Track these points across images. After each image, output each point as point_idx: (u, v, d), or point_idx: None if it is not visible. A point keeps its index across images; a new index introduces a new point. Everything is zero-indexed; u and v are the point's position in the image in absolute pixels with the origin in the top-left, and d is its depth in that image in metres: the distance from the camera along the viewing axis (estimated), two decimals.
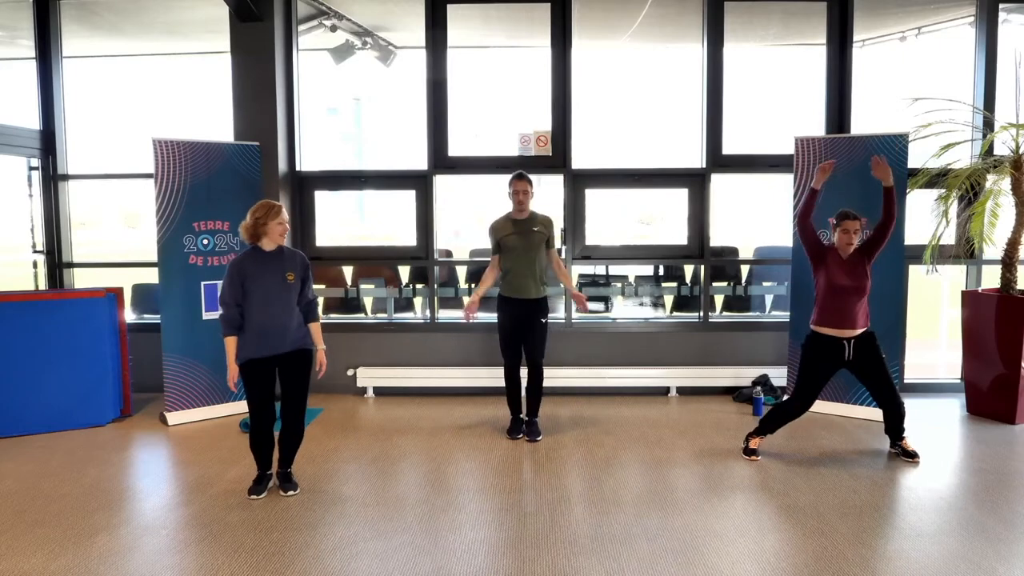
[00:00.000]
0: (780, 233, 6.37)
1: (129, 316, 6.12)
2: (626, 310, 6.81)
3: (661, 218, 7.79)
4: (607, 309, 6.71)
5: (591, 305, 6.63)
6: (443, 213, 6.52)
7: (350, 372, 6.24)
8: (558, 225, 5.93)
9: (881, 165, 4.58)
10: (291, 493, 4.12)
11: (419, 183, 6.34)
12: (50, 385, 5.27)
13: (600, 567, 3.28)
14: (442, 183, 6.44)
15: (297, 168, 6.31)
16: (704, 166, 6.28)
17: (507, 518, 3.81)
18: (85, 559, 3.37)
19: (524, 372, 5.20)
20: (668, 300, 6.75)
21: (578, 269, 6.51)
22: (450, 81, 6.29)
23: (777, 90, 6.65)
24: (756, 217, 7.93)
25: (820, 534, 3.59)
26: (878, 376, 4.57)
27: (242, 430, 5.25)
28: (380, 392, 6.27)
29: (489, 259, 5.25)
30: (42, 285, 6.41)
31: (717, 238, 6.37)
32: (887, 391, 4.59)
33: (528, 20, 6.40)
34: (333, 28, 6.60)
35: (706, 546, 3.47)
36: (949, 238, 5.86)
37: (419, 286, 6.65)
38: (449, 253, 6.73)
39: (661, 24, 6.53)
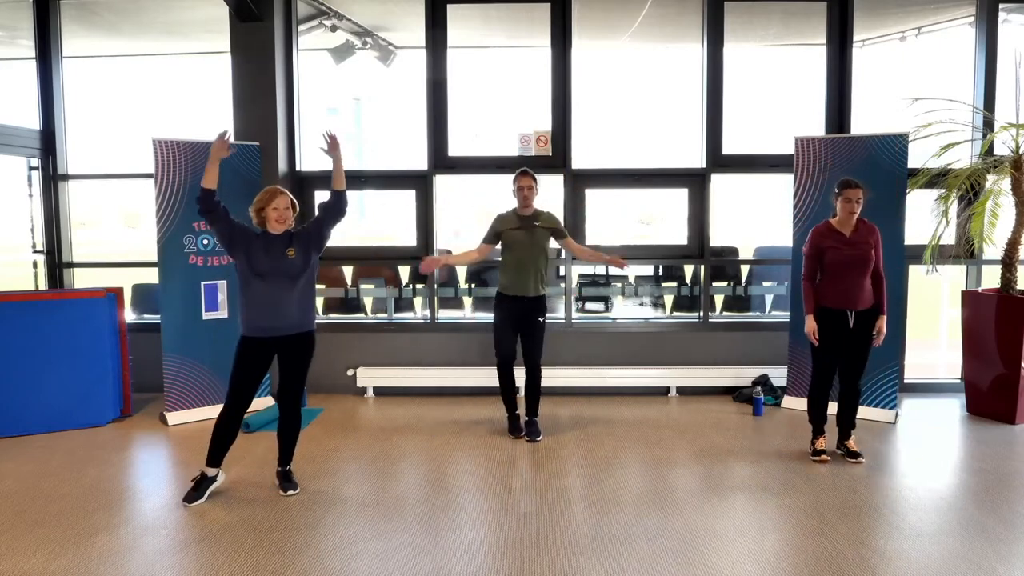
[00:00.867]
0: (780, 233, 6.36)
1: (129, 316, 6.12)
2: (626, 310, 6.81)
3: (661, 218, 7.79)
4: (607, 309, 6.71)
5: (590, 305, 6.63)
6: (443, 213, 6.52)
7: (350, 372, 6.24)
8: None
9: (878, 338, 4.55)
10: (291, 493, 4.09)
11: (419, 183, 6.34)
12: (50, 385, 5.27)
13: (600, 567, 3.28)
14: (442, 183, 6.44)
15: (297, 168, 6.32)
16: (704, 166, 6.28)
17: (507, 518, 3.81)
18: (85, 559, 3.37)
19: (518, 372, 5.20)
20: (668, 300, 6.75)
21: (578, 269, 6.51)
22: (450, 81, 6.30)
23: (777, 90, 6.65)
24: (756, 217, 7.93)
25: (820, 534, 3.59)
26: (859, 358, 4.53)
27: (241, 430, 5.24)
28: (380, 392, 6.27)
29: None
30: (42, 285, 6.41)
31: (717, 238, 6.37)
32: (856, 372, 4.55)
33: (528, 20, 6.40)
34: (333, 28, 6.60)
35: (706, 546, 3.47)
36: (949, 238, 5.86)
37: (419, 286, 6.65)
38: (449, 253, 6.72)
39: (661, 24, 6.54)
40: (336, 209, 4.16)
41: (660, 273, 6.86)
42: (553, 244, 5.20)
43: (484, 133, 6.62)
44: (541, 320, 5.10)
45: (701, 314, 6.37)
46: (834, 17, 6.18)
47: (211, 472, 4.06)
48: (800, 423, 5.06)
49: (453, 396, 6.16)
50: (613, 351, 6.27)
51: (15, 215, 6.42)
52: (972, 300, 5.65)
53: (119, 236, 10.82)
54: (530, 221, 5.03)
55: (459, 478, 4.44)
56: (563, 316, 6.36)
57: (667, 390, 6.23)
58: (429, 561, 3.35)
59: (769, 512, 3.89)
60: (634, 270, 6.80)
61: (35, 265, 6.42)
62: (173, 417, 5.48)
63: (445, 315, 6.60)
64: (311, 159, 6.41)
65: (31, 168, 6.33)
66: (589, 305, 6.66)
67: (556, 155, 6.26)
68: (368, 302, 6.76)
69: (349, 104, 8.18)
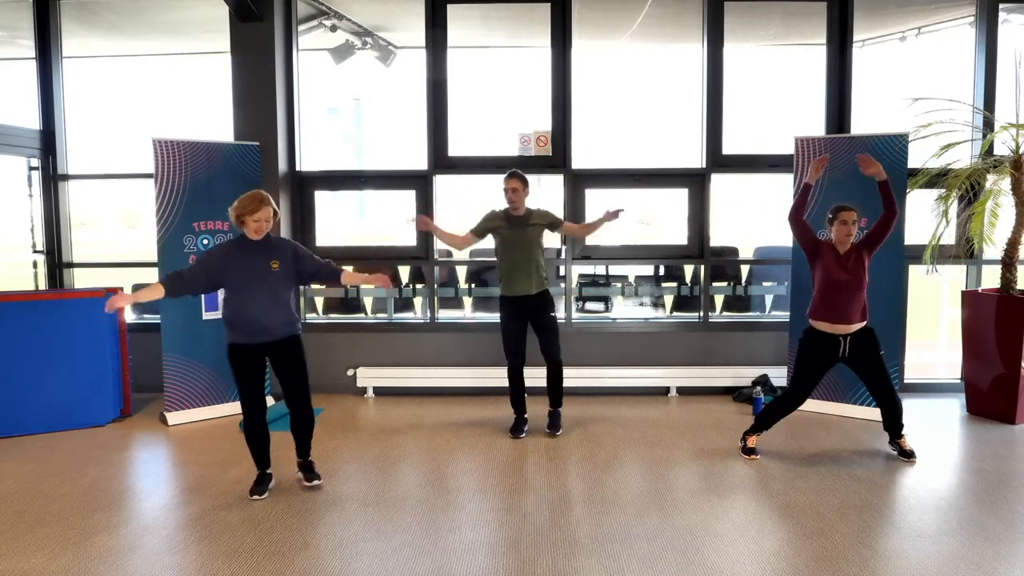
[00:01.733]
0: (780, 233, 6.36)
1: (129, 316, 6.13)
2: (626, 310, 6.81)
3: (661, 218, 7.80)
4: (607, 309, 6.71)
5: (590, 305, 6.63)
6: (443, 213, 6.52)
7: (350, 372, 6.24)
8: None
9: (868, 161, 4.56)
10: (316, 483, 4.15)
11: (419, 183, 6.34)
12: (50, 385, 5.27)
13: (600, 567, 3.28)
14: (442, 183, 6.44)
15: (297, 168, 6.32)
16: (704, 166, 6.28)
17: (507, 518, 3.81)
18: (85, 559, 3.37)
19: (527, 372, 5.19)
20: (668, 300, 6.74)
21: (578, 269, 6.51)
22: (450, 81, 6.29)
23: (777, 90, 6.65)
24: (756, 217, 7.93)
25: (820, 534, 3.59)
26: (875, 372, 4.55)
27: (241, 430, 5.24)
28: (380, 392, 6.27)
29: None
30: (42, 285, 6.41)
31: (717, 238, 6.37)
32: (884, 388, 4.57)
33: (528, 20, 6.40)
34: (333, 28, 6.60)
35: (706, 546, 3.47)
36: (949, 238, 5.86)
37: (419, 286, 6.65)
38: (449, 253, 6.73)
39: (661, 24, 6.54)
40: (328, 281, 4.24)
41: (660, 273, 6.87)
42: (555, 243, 5.18)
43: (484, 133, 6.62)
44: (551, 315, 5.08)
45: (701, 314, 6.37)
46: (834, 17, 6.18)
47: (265, 471, 4.17)
48: (799, 423, 5.07)
49: (453, 396, 6.15)
50: (613, 351, 6.27)
51: (15, 215, 6.42)
52: (972, 300, 5.65)
53: (119, 236, 10.82)
54: (522, 222, 5.03)
55: (459, 478, 4.44)
56: (563, 316, 6.36)
57: (667, 390, 6.23)
58: (429, 561, 3.35)
59: (769, 512, 3.89)
60: (634, 270, 6.81)
61: (35, 265, 6.42)
62: (173, 417, 5.48)
63: (445, 315, 6.60)
64: (311, 159, 6.41)
65: (31, 168, 6.33)
66: (589, 305, 6.65)
67: (556, 155, 6.26)
68: (368, 302, 6.76)
69: (349, 104, 8.19)
